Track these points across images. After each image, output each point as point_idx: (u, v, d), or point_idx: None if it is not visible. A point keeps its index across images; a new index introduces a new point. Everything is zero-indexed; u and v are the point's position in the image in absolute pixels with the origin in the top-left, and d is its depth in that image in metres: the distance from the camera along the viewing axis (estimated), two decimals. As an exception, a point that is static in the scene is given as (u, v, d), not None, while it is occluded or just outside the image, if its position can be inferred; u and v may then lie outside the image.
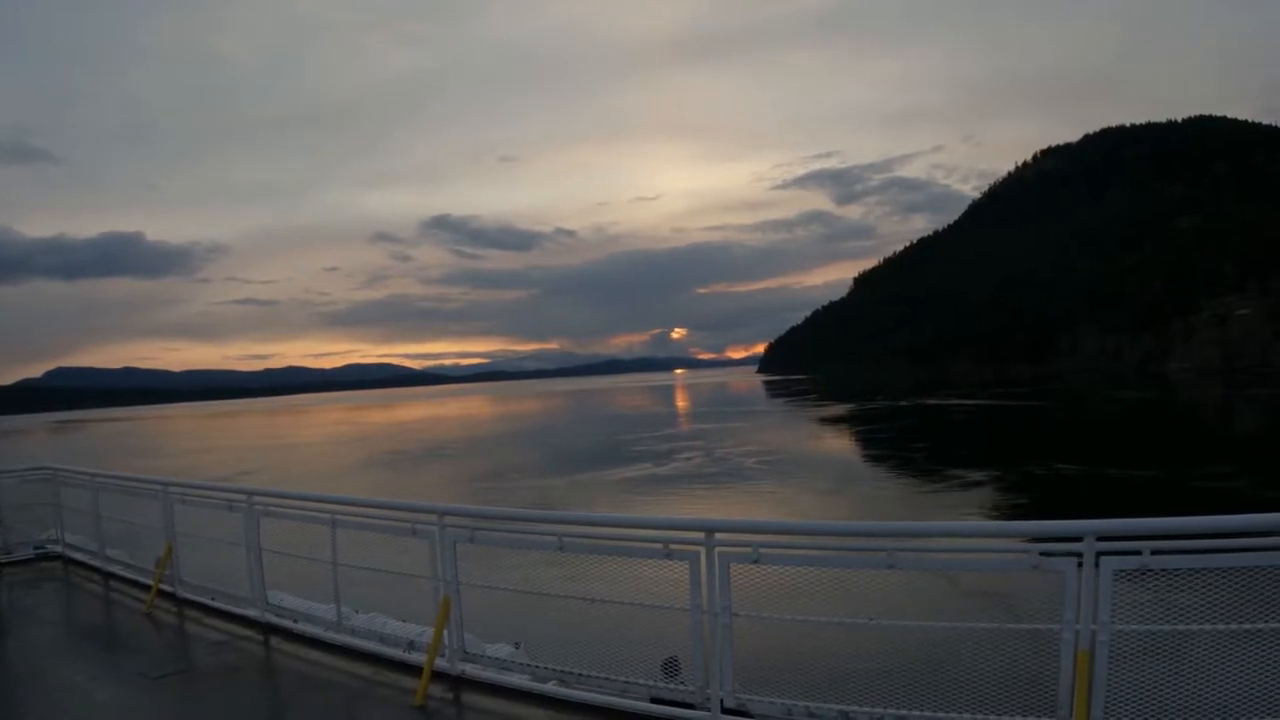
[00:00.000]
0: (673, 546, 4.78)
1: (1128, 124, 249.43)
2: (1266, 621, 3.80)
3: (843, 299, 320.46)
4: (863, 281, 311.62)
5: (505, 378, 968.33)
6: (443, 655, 5.67)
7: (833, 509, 27.00)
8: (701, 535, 4.69)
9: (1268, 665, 3.83)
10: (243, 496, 7.36)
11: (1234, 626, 3.81)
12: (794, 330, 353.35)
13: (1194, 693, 3.89)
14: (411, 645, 6.12)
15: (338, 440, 77.67)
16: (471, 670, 5.71)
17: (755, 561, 4.54)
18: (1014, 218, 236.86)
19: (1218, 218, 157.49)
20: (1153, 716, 3.92)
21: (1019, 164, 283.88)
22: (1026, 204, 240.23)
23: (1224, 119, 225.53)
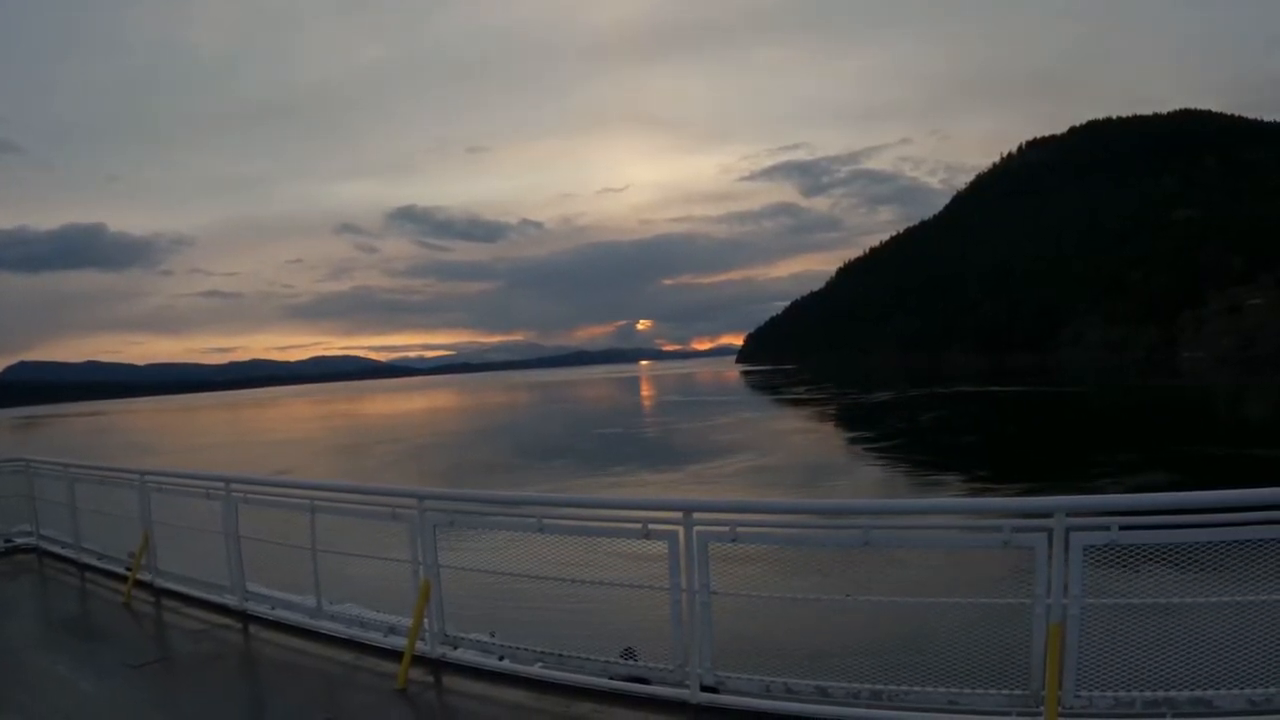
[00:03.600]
0: (651, 527, 4.81)
1: (1114, 116, 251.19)
2: (1231, 595, 3.88)
3: (823, 289, 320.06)
4: (846, 272, 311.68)
5: (471, 370, 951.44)
6: (423, 639, 5.67)
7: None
8: (680, 515, 4.71)
9: (1233, 637, 3.92)
10: (221, 484, 7.28)
11: (1201, 600, 3.88)
12: (774, 321, 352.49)
13: (1163, 664, 3.97)
14: (392, 630, 6.11)
15: (343, 433, 74.49)
16: (452, 654, 5.72)
17: (733, 541, 4.58)
18: (1002, 209, 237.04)
19: (1216, 211, 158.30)
20: (1123, 687, 4.01)
21: (1004, 155, 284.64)
22: (1014, 195, 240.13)
23: (1209, 113, 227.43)
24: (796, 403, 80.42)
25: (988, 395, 73.75)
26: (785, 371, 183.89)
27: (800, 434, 49.75)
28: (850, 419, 59.13)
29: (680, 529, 4.65)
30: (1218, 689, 3.92)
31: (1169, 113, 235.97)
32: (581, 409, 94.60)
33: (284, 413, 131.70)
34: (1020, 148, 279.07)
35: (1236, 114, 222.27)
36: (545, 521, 5.24)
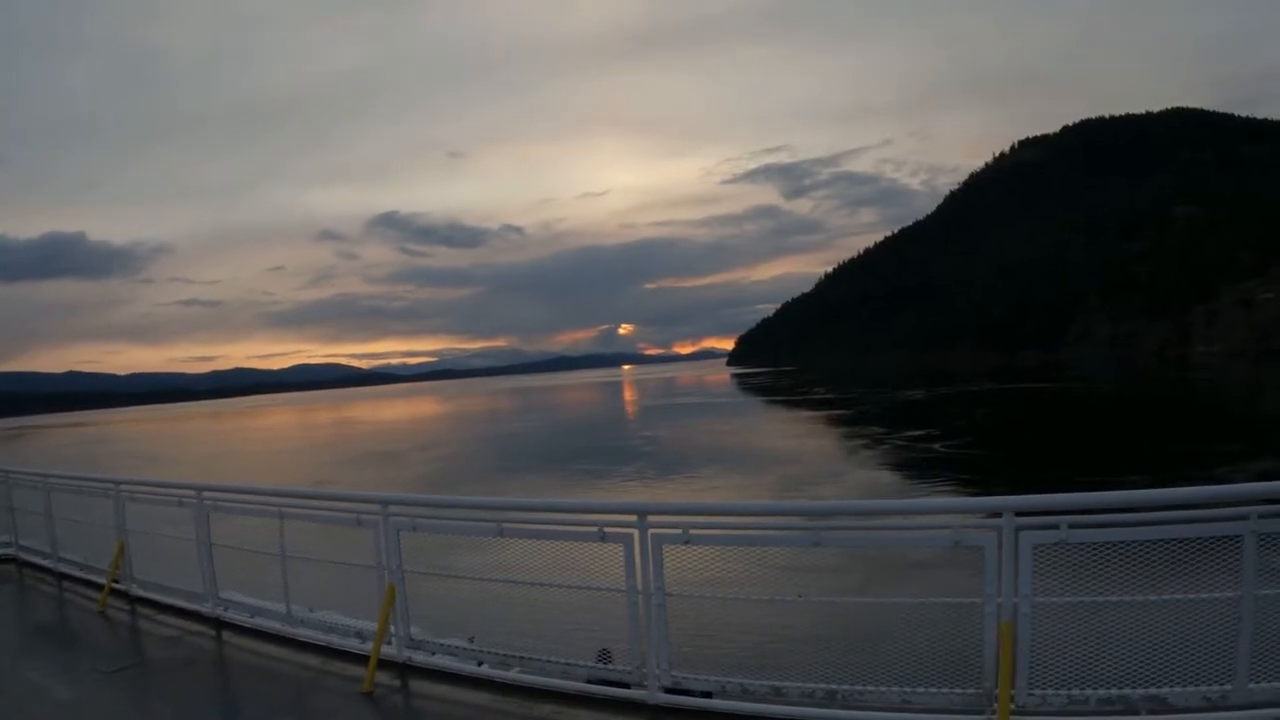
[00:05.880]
0: (607, 530, 4.82)
1: (1106, 115, 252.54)
2: (1183, 593, 3.88)
3: (815, 291, 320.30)
4: (840, 273, 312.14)
5: (453, 376, 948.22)
6: (389, 643, 5.70)
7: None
8: (634, 518, 4.73)
9: (1187, 634, 3.92)
10: (192, 492, 7.31)
11: (1153, 598, 3.89)
12: (766, 323, 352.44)
13: (1117, 662, 3.98)
14: (360, 635, 6.12)
15: (361, 440, 71.13)
16: (418, 657, 5.75)
17: (686, 543, 4.59)
18: (999, 208, 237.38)
19: (1216, 206, 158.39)
20: (1077, 686, 4.00)
21: (997, 154, 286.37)
22: (1010, 194, 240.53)
23: (1201, 111, 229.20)
24: (826, 403, 77.28)
25: (1022, 392, 72.62)
26: (788, 373, 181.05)
27: (863, 435, 46.88)
28: (901, 418, 56.15)
29: (635, 531, 4.67)
30: (1172, 686, 3.92)
31: (1160, 111, 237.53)
32: (596, 412, 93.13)
33: (281, 421, 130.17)
34: (1013, 147, 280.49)
35: (1227, 111, 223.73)
36: (504, 525, 5.27)
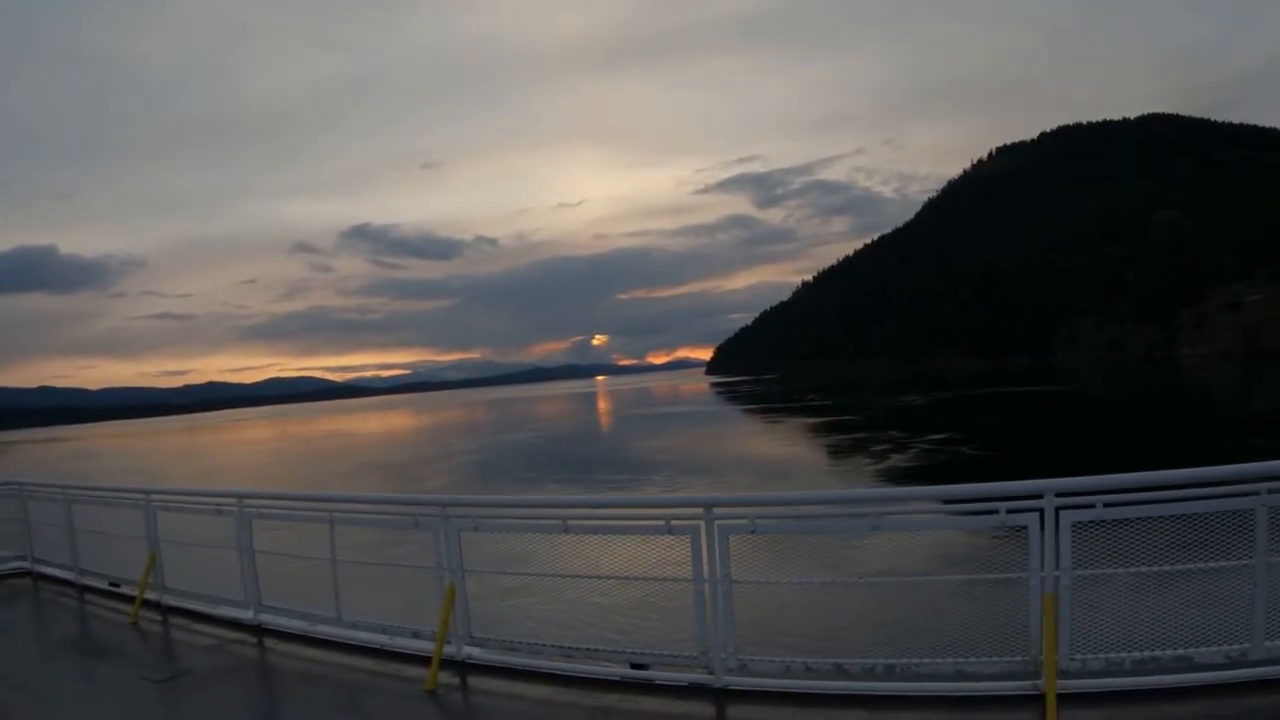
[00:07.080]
0: (674, 522, 5.06)
1: (1083, 121, 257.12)
2: (1206, 561, 4.28)
3: (793, 299, 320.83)
4: (818, 281, 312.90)
5: (428, 388, 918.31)
6: (449, 642, 5.79)
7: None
8: (701, 510, 4.99)
9: (1210, 599, 4.35)
10: (233, 500, 7.33)
11: (1180, 567, 4.28)
12: (745, 332, 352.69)
13: (1148, 627, 4.38)
14: (415, 635, 6.17)
15: (358, 452, 67.96)
16: (479, 654, 5.85)
17: (752, 532, 4.88)
18: (979, 214, 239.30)
19: (1197, 210, 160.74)
20: (1113, 649, 4.39)
21: (975, 161, 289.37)
22: (990, 201, 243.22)
23: (1178, 116, 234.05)
24: (826, 410, 73.29)
25: (1021, 395, 71.73)
26: (772, 382, 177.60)
27: (884, 440, 44.26)
28: (913, 423, 53.63)
29: (701, 523, 4.93)
30: (1198, 646, 4.32)
31: (1137, 117, 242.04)
32: (590, 422, 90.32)
33: (264, 434, 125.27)
34: (990, 154, 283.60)
35: (1202, 116, 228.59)
36: (570, 523, 5.45)
